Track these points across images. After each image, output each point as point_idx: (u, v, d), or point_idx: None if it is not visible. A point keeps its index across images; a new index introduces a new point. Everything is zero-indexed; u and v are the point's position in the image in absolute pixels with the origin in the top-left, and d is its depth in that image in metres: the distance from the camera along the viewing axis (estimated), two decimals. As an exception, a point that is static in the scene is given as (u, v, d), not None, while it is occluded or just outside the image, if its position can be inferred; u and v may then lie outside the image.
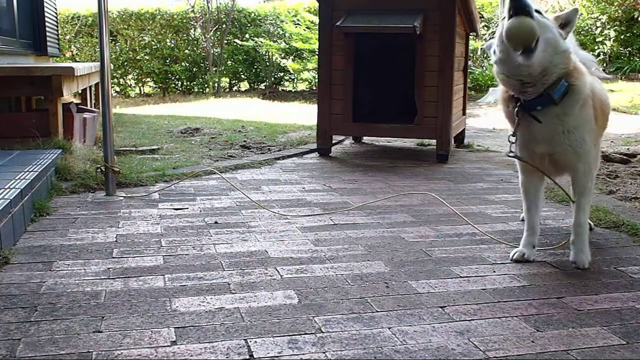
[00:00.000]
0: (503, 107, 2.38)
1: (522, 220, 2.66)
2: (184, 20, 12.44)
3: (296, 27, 12.08)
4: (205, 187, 3.70)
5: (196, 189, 3.66)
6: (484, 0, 12.41)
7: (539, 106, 2.22)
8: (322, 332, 1.77)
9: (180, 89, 12.66)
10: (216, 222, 2.93)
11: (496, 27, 11.98)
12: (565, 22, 2.22)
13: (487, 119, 8.13)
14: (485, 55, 12.76)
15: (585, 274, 2.30)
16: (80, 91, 6.09)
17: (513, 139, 2.32)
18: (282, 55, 12.51)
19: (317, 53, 5.79)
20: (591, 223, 2.81)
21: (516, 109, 2.25)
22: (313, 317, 1.87)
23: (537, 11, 2.10)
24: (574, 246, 2.39)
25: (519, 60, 2.12)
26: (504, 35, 2.11)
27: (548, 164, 2.36)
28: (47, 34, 7.14)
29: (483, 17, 12.43)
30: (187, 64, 12.47)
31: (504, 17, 2.14)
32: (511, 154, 2.34)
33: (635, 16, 11.63)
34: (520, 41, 2.08)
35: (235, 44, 12.53)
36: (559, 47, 2.17)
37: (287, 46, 12.32)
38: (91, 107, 6.19)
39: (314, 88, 11.90)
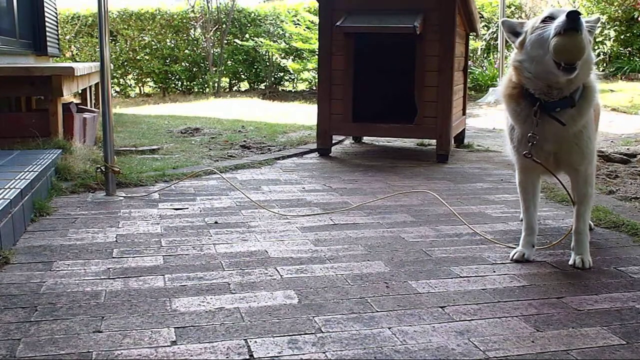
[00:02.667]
0: (511, 104, 2.31)
1: (522, 220, 2.66)
2: (184, 20, 12.44)
3: (296, 27, 12.08)
4: (205, 187, 3.70)
5: (196, 189, 3.66)
6: (484, 0, 12.41)
7: (559, 107, 2.21)
8: (322, 332, 1.77)
9: (180, 89, 12.66)
10: (216, 222, 2.93)
11: (496, 27, 11.98)
12: (589, 30, 2.21)
13: (487, 119, 8.12)
14: (485, 55, 12.76)
15: (585, 274, 2.30)
16: (80, 91, 6.09)
17: (532, 139, 2.26)
18: (282, 55, 12.51)
19: (317, 53, 5.79)
20: (591, 223, 2.82)
21: (534, 108, 2.22)
22: (313, 317, 1.87)
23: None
24: (574, 252, 2.41)
25: (556, 72, 2.12)
26: (553, 48, 2.08)
27: (552, 162, 2.36)
28: (47, 34, 7.14)
29: (483, 17, 12.43)
30: (187, 64, 12.47)
31: (546, 20, 2.14)
32: (529, 155, 2.30)
33: (635, 16, 11.63)
34: (569, 59, 2.09)
35: (235, 44, 12.53)
36: (591, 61, 2.21)
37: (287, 46, 12.32)
38: (91, 107, 6.20)
39: (314, 88, 11.90)
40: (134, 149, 5.09)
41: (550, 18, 2.13)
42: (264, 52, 12.54)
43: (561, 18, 2.07)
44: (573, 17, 2.04)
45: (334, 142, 5.23)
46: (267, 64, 12.66)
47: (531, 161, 2.31)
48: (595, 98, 2.31)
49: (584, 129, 2.29)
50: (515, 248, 2.50)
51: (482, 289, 2.13)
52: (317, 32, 5.27)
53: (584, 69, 2.18)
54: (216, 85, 12.20)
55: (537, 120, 2.23)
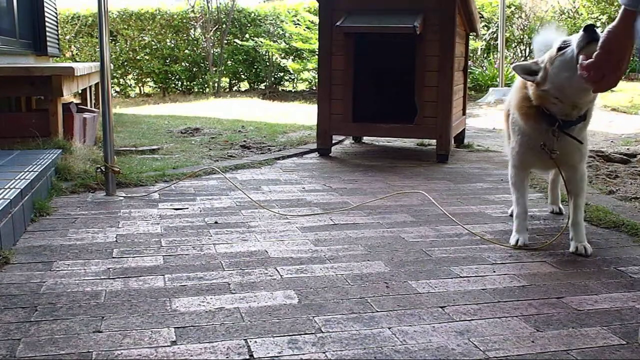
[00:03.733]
0: (529, 122, 2.48)
1: (511, 215, 2.90)
2: (184, 20, 12.44)
3: (296, 27, 12.08)
4: (205, 187, 3.70)
5: (196, 189, 3.66)
6: (484, 0, 12.41)
7: (574, 125, 2.43)
8: (322, 332, 1.77)
9: (180, 89, 12.65)
10: (216, 222, 2.93)
11: (496, 27, 11.98)
12: None
13: (487, 119, 8.12)
14: (485, 55, 12.76)
15: (585, 273, 2.30)
16: (80, 91, 6.09)
17: (555, 155, 2.48)
18: (282, 55, 12.51)
19: (317, 53, 5.79)
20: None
21: (554, 128, 2.42)
22: (313, 317, 1.87)
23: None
24: (573, 241, 2.53)
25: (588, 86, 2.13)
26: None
27: (551, 163, 2.59)
28: (47, 34, 7.14)
29: (483, 17, 12.43)
30: (187, 64, 12.47)
31: (562, 48, 2.30)
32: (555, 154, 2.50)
33: (635, 16, 11.62)
34: None
35: (235, 44, 12.53)
36: None
37: (287, 46, 12.32)
38: (91, 107, 6.19)
39: (314, 88, 11.90)
40: (134, 149, 5.09)
41: (564, 45, 2.29)
42: (264, 52, 12.54)
43: (579, 34, 2.21)
44: (591, 29, 2.18)
45: (334, 142, 5.23)
46: (267, 64, 12.65)
47: (528, 160, 2.61)
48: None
49: (585, 136, 2.55)
50: (515, 247, 2.51)
51: (482, 289, 2.13)
52: (317, 32, 5.27)
53: None
54: (216, 85, 12.20)
55: (556, 139, 2.43)
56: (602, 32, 2.22)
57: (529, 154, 2.58)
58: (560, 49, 2.31)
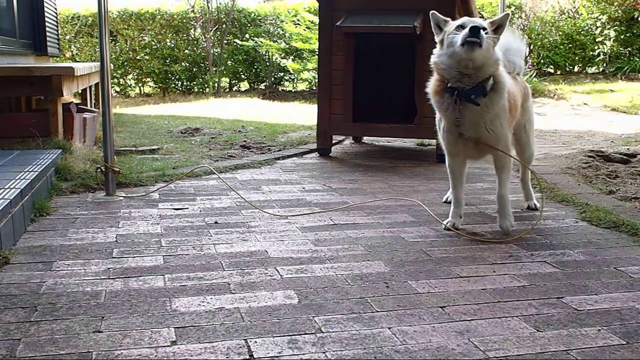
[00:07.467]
0: (436, 98, 2.77)
1: (446, 202, 3.28)
2: (184, 20, 12.44)
3: (296, 27, 12.07)
4: (205, 187, 3.70)
5: (196, 189, 3.66)
6: (484, 0, 12.41)
7: (473, 95, 2.64)
8: (322, 332, 1.77)
9: (180, 89, 12.65)
10: (216, 222, 2.93)
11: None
12: (498, 26, 2.68)
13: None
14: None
15: (585, 273, 2.30)
16: (80, 91, 6.09)
17: (458, 123, 2.73)
18: (282, 55, 12.50)
19: (317, 53, 5.79)
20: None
21: (454, 97, 2.67)
22: (313, 317, 1.87)
23: (483, 28, 2.56)
24: (499, 214, 2.84)
25: (458, 50, 2.57)
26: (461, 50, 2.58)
27: (472, 148, 2.79)
28: (47, 34, 7.14)
29: (483, 17, 12.43)
30: (187, 64, 12.46)
31: (458, 28, 2.64)
32: (465, 137, 2.76)
33: (635, 16, 11.62)
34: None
35: (235, 44, 12.53)
36: (492, 56, 2.63)
37: (287, 46, 12.32)
38: (91, 107, 6.19)
39: (314, 88, 11.90)
40: (134, 149, 5.08)
41: (461, 27, 2.62)
42: (264, 52, 12.54)
43: (465, 31, 2.55)
44: (476, 30, 2.53)
45: (334, 142, 5.23)
46: (267, 64, 12.65)
47: (457, 146, 2.80)
48: (506, 91, 2.72)
49: (496, 117, 2.70)
50: (515, 246, 2.53)
51: (482, 289, 2.13)
52: (317, 32, 5.26)
53: (489, 62, 2.61)
54: (216, 85, 12.20)
55: (458, 107, 2.67)
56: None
57: (451, 139, 2.79)
58: (459, 27, 2.63)
